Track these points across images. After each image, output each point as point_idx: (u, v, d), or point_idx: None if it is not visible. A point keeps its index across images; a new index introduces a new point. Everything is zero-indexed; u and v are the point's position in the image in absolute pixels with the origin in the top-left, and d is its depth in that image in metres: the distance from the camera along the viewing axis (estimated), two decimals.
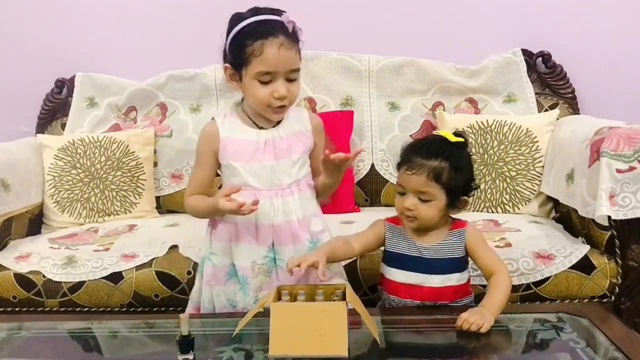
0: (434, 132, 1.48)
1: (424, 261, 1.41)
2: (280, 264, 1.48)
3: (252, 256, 1.48)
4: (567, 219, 2.00)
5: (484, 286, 1.57)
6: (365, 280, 1.75)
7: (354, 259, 1.74)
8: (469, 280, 1.46)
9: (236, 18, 1.44)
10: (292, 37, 1.43)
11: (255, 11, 1.44)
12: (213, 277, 1.52)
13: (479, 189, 2.16)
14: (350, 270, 1.76)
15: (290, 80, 1.44)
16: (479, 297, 1.41)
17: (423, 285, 1.41)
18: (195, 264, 1.79)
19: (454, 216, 1.46)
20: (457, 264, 1.42)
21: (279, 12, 1.44)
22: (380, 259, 1.51)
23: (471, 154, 1.44)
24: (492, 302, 1.33)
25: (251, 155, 1.47)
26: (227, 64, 1.47)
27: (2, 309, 1.87)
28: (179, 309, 1.78)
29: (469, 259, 1.45)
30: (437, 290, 1.41)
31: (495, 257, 1.42)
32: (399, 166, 1.42)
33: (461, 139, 1.40)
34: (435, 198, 1.36)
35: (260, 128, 1.50)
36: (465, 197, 1.41)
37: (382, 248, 1.50)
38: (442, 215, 1.40)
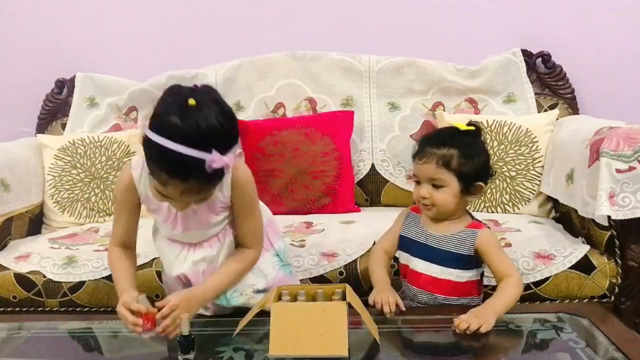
0: (448, 124, 1.52)
1: (427, 249, 1.45)
2: None
3: None
4: (567, 218, 2.01)
5: (486, 286, 1.57)
6: (365, 280, 1.76)
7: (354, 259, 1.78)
8: (475, 283, 1.46)
9: None
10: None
11: None
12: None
13: None
14: (350, 271, 1.77)
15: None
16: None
17: (422, 273, 1.45)
18: None
19: (479, 219, 1.49)
20: (460, 261, 1.43)
21: None
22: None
23: (485, 142, 1.48)
24: (497, 302, 1.33)
25: (164, 219, 1.42)
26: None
27: (2, 309, 1.87)
28: None
29: (483, 263, 1.46)
30: (434, 280, 1.44)
31: (507, 263, 1.42)
32: (414, 158, 1.47)
33: (472, 128, 1.43)
34: (447, 184, 1.40)
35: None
36: (480, 183, 1.42)
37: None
38: (458, 203, 1.42)
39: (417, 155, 1.44)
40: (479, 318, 1.27)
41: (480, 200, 2.18)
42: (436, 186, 1.41)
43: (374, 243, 1.82)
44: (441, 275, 1.43)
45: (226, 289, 1.43)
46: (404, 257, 1.52)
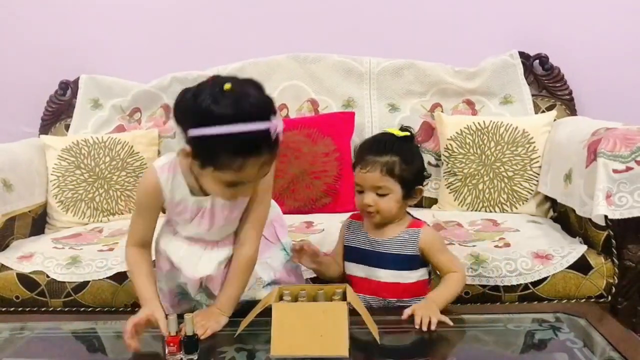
0: (383, 130, 1.54)
1: (374, 254, 1.47)
2: None
3: None
4: (565, 218, 2.02)
5: None
6: None
7: None
8: (424, 283, 1.49)
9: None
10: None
11: None
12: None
13: (476, 189, 2.20)
14: None
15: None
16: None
17: (372, 279, 1.47)
18: None
19: (416, 216, 1.52)
20: (407, 262, 1.45)
21: None
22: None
23: (418, 146, 1.52)
24: (437, 294, 1.38)
25: (190, 217, 1.41)
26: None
27: (4, 309, 1.87)
28: None
29: (428, 262, 1.49)
30: (384, 285, 1.46)
31: (451, 260, 1.46)
32: (354, 166, 1.48)
33: (407, 134, 1.46)
34: (392, 191, 1.42)
35: (204, 194, 1.38)
36: (419, 187, 1.47)
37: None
38: (400, 207, 1.45)
39: (359, 164, 1.45)
40: (424, 310, 1.31)
41: (478, 200, 2.20)
42: (380, 194, 1.42)
43: None
44: (390, 278, 1.45)
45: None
46: (350, 268, 1.52)
